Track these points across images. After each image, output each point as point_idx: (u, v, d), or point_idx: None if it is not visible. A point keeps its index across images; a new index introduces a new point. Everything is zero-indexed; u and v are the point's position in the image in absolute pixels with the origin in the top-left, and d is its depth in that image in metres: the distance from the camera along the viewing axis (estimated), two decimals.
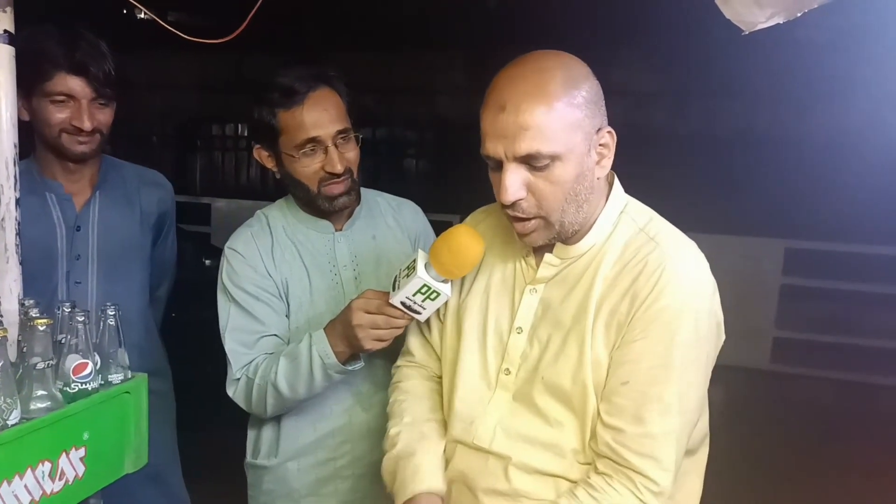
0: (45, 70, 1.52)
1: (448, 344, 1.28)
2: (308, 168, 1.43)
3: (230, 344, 1.46)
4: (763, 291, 5.37)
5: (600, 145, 1.09)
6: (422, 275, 1.16)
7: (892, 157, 5.05)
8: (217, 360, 1.51)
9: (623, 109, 6.21)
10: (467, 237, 1.16)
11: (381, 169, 7.28)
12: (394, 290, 1.22)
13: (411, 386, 1.34)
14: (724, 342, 1.16)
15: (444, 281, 1.19)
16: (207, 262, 3.72)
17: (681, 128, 6.47)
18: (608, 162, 1.10)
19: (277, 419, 1.52)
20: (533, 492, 1.13)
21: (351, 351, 1.34)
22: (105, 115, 1.61)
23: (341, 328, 1.32)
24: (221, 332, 1.47)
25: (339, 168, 1.42)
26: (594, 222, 1.14)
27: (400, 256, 1.54)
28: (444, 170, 7.19)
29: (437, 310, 1.26)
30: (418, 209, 1.68)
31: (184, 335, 2.23)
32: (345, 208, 1.51)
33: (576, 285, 1.14)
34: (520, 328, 1.17)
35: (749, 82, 5.89)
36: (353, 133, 1.47)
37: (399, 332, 1.29)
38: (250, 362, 1.44)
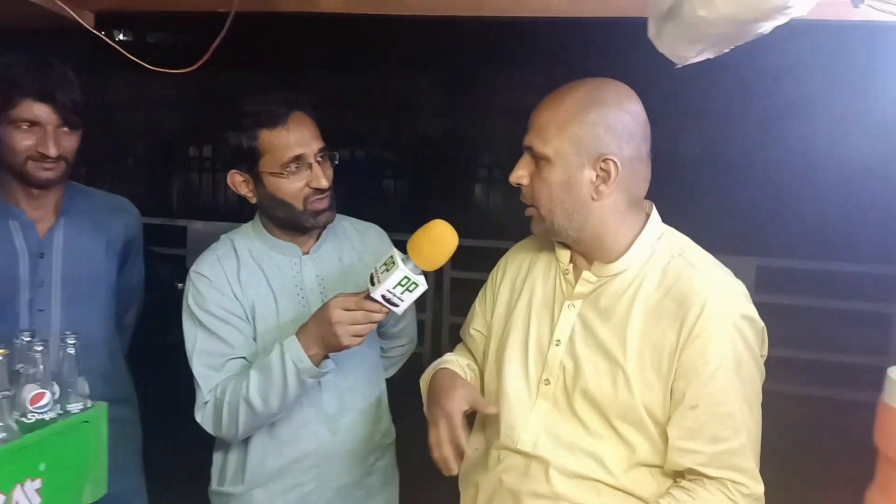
0: (10, 97, 1.52)
1: (493, 357, 1.35)
2: (294, 185, 1.46)
3: (198, 367, 1.46)
4: None
5: (601, 169, 1.16)
6: (402, 267, 1.26)
7: (862, 175, 5.17)
8: (188, 384, 1.50)
9: None
10: (446, 228, 1.28)
11: (359, 189, 7.26)
12: (372, 285, 1.30)
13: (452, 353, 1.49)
14: None
15: (420, 273, 1.28)
16: (180, 285, 3.67)
17: (652, 147, 6.56)
18: (605, 188, 1.17)
19: (244, 444, 1.52)
20: (573, 495, 1.18)
21: (325, 352, 1.37)
22: (71, 142, 1.61)
23: (316, 329, 1.35)
24: (188, 356, 1.48)
25: (324, 183, 1.47)
26: (630, 245, 1.21)
27: (366, 279, 1.55)
28: (421, 190, 7.20)
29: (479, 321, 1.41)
30: (383, 233, 1.71)
31: (155, 358, 2.21)
32: (327, 223, 1.54)
33: (615, 307, 1.20)
34: (558, 341, 1.25)
35: (719, 102, 6.01)
36: (331, 152, 1.51)
37: (374, 326, 1.35)
38: (217, 385, 1.44)
